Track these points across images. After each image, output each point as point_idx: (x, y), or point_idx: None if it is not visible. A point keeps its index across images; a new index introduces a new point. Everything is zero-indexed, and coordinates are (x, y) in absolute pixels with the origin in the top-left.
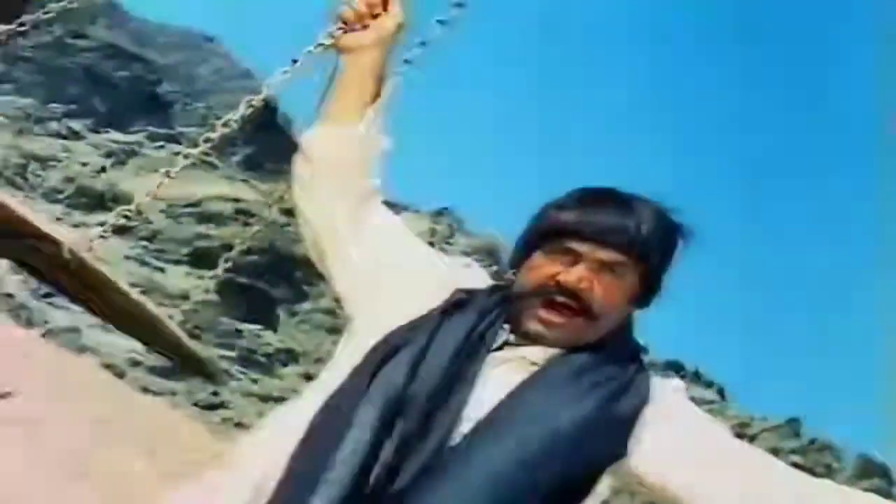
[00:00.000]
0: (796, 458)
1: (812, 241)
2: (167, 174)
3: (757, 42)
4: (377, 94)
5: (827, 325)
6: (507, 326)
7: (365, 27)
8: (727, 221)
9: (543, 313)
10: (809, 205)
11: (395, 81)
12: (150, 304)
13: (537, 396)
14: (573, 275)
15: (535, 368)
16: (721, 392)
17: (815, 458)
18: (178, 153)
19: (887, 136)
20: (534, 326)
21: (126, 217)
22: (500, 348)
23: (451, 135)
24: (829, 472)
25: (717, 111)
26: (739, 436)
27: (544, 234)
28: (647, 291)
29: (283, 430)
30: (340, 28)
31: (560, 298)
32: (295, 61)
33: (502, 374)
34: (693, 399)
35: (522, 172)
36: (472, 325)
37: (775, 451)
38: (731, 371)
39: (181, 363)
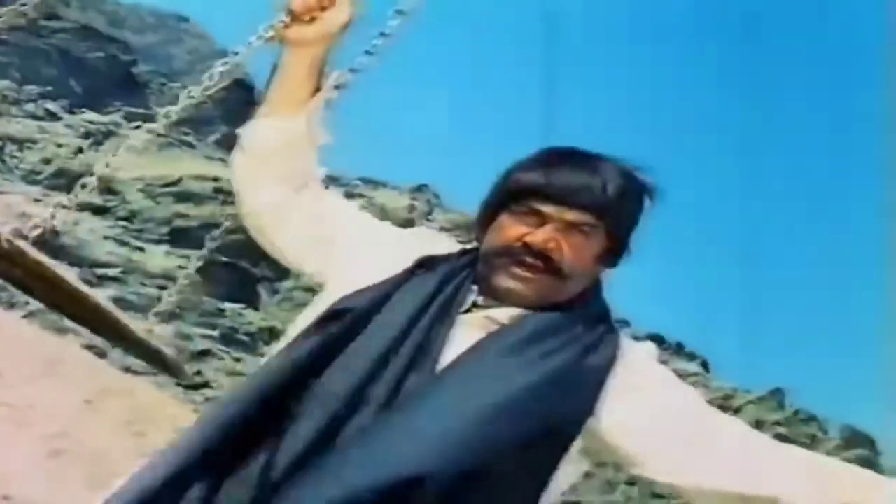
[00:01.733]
0: (781, 430)
1: (798, 213)
2: (129, 146)
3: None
4: (318, 88)
5: (813, 298)
6: (475, 288)
7: (311, 20)
8: (714, 196)
9: (513, 269)
10: (802, 178)
11: (336, 76)
12: (103, 301)
13: (496, 353)
14: (540, 235)
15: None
16: (704, 365)
17: (800, 430)
18: (151, 131)
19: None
20: (504, 283)
21: (83, 186)
22: (468, 311)
23: (430, 111)
24: (813, 443)
25: (712, 77)
26: (723, 408)
27: (510, 195)
28: (614, 251)
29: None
30: (284, 21)
31: (528, 259)
32: (236, 53)
33: (466, 334)
34: (676, 372)
35: (501, 149)
36: (436, 286)
37: (760, 423)
38: (714, 343)
39: (145, 359)
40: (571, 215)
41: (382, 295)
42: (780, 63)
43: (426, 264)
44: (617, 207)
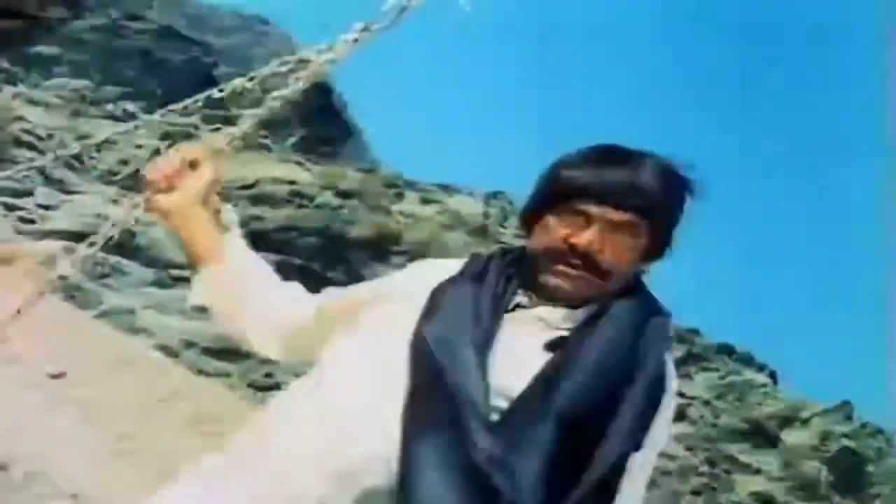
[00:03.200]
0: (847, 443)
1: (870, 225)
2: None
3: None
4: (221, 224)
5: (881, 309)
6: (520, 290)
7: (174, 186)
8: (789, 210)
9: (559, 268)
10: (858, 190)
11: (230, 211)
12: None
13: (575, 377)
14: (584, 237)
15: (551, 330)
16: (773, 375)
17: (867, 443)
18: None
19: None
20: (549, 280)
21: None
22: (512, 310)
23: (506, 119)
24: (879, 457)
25: (723, 68)
26: (791, 419)
27: (555, 195)
28: (658, 248)
29: (308, 402)
30: (152, 191)
31: (573, 260)
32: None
33: (518, 333)
34: (745, 383)
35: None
36: (493, 290)
37: (826, 435)
38: (786, 354)
39: None
40: (617, 216)
41: (442, 293)
42: (780, 68)
43: (482, 272)
44: (661, 206)
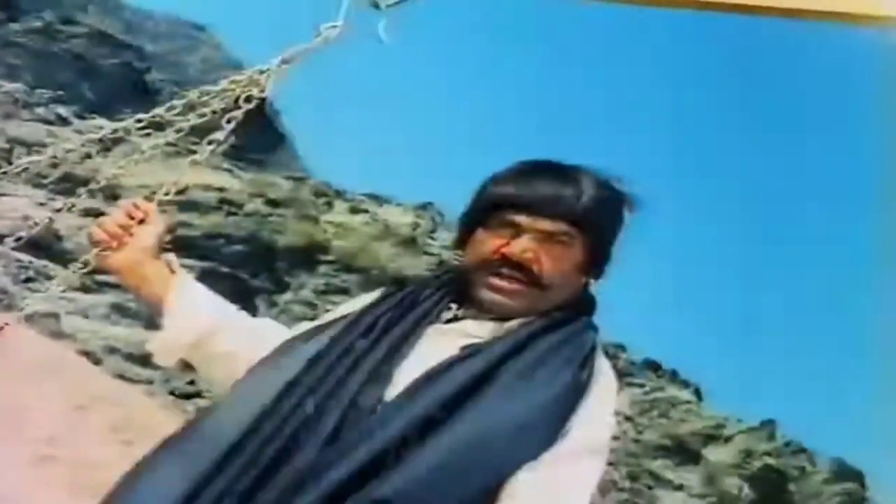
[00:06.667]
0: (770, 461)
1: (797, 242)
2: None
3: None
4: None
5: (808, 328)
6: (453, 305)
7: (123, 243)
8: (714, 221)
9: (494, 281)
10: (800, 208)
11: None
12: None
13: (486, 391)
14: (516, 247)
15: (472, 340)
16: (697, 392)
17: (790, 461)
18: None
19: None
20: (487, 295)
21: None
22: (447, 323)
23: (436, 129)
24: (803, 475)
25: (708, 99)
26: (714, 437)
27: (485, 209)
28: (596, 261)
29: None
30: (102, 250)
31: (506, 270)
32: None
33: (436, 346)
34: (669, 399)
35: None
36: (420, 304)
37: (749, 453)
38: (711, 371)
39: None
40: (545, 225)
41: (356, 316)
42: (779, 103)
43: (401, 285)
44: (593, 216)
